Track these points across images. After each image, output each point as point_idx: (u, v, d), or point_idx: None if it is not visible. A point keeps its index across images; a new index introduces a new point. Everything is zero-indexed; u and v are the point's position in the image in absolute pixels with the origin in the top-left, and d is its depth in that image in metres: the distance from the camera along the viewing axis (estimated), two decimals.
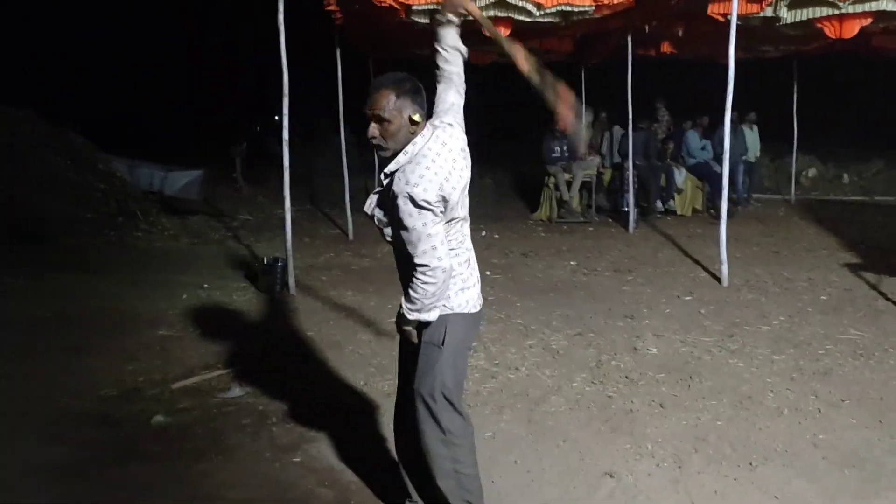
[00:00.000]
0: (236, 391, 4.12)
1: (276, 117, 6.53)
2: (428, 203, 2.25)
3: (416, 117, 2.36)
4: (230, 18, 16.00)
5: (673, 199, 10.59)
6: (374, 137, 2.36)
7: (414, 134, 2.38)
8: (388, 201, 2.36)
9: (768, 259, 7.51)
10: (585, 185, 10.31)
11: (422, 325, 2.46)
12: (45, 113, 9.47)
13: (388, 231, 2.48)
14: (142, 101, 16.82)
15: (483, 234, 9.02)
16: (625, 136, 9.79)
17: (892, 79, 13.26)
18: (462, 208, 2.44)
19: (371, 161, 11.57)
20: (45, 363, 4.53)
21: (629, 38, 9.02)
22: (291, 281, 6.32)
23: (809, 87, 12.41)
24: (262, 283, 6.33)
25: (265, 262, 6.40)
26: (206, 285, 6.50)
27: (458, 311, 2.46)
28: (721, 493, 2.96)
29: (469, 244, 2.55)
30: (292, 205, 6.48)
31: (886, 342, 4.79)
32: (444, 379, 2.44)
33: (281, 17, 6.14)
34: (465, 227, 2.52)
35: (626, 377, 4.25)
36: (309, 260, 7.69)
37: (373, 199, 2.50)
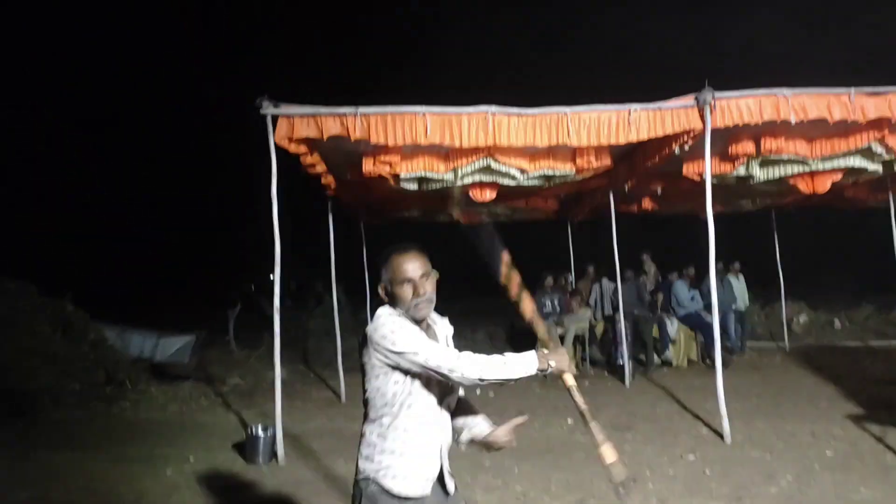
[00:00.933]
0: None
1: (270, 276, 6.61)
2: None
3: (435, 272, 2.55)
4: (226, 180, 16.63)
5: (668, 349, 10.54)
6: (425, 293, 2.47)
7: None
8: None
9: (769, 411, 7.35)
10: (578, 339, 10.29)
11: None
12: (39, 282, 9.56)
13: None
14: (135, 265, 17.09)
15: (477, 392, 8.87)
16: (616, 288, 9.88)
17: (871, 224, 13.71)
18: None
19: (363, 321, 11.63)
20: None
21: (611, 196, 9.37)
22: (280, 451, 6.12)
23: (791, 235, 12.77)
24: (249, 454, 6.12)
25: (252, 431, 6.22)
26: (191, 458, 6.28)
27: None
28: None
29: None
30: (285, 366, 6.40)
31: None
32: None
33: (274, 190, 6.36)
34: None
35: None
36: (300, 426, 7.48)
37: None
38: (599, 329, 10.71)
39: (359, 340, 2.55)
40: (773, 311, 13.82)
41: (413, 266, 2.46)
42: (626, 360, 9.23)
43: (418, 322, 2.48)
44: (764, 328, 14.05)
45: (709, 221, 6.58)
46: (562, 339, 10.12)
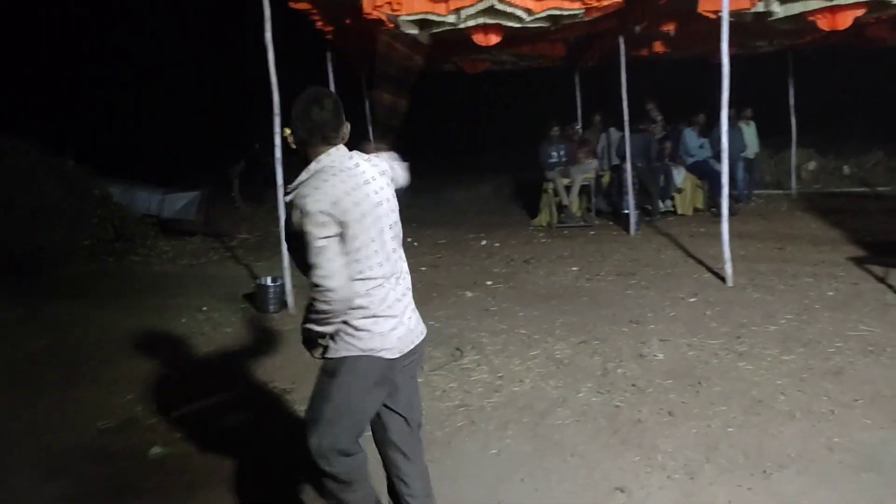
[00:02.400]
0: (235, 418, 4.04)
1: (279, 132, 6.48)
2: (317, 216, 2.26)
3: (287, 131, 2.45)
4: (222, 36, 15.97)
5: (673, 199, 10.49)
6: None
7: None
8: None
9: (772, 256, 7.41)
10: (584, 189, 10.22)
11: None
12: (38, 141, 9.42)
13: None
14: (137, 123, 16.80)
15: (483, 242, 8.95)
16: (623, 137, 9.67)
17: (889, 68, 13.20)
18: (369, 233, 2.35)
19: None
20: (40, 397, 4.46)
21: (621, 40, 8.96)
22: (290, 300, 6.24)
23: (806, 80, 12.34)
24: (260, 303, 6.26)
25: (262, 282, 6.33)
26: (204, 308, 6.43)
27: (356, 351, 2.38)
28: None
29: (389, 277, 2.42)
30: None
31: None
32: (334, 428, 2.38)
33: (268, 35, 6.09)
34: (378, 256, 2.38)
35: (634, 385, 4.16)
36: (298, 276, 7.60)
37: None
38: (606, 179, 10.61)
39: None
40: (782, 158, 13.60)
41: None
42: (631, 209, 9.21)
43: None
44: (772, 176, 13.91)
45: (724, 63, 6.31)
46: (568, 189, 10.06)
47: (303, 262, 2.33)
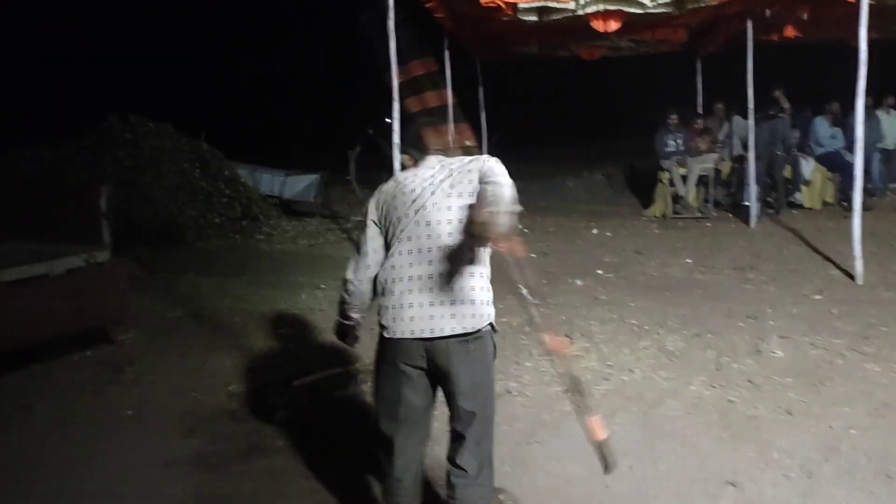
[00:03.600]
0: (354, 389, 4.25)
1: (387, 119, 6.71)
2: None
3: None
4: (341, 23, 16.53)
5: (800, 191, 9.99)
6: None
7: None
8: None
9: None
10: (702, 180, 9.91)
11: None
12: (177, 123, 10.10)
13: None
14: (263, 111, 17.64)
15: (594, 231, 8.87)
16: (757, 125, 9.19)
17: None
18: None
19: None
20: (179, 361, 4.85)
21: (749, 24, 8.60)
22: None
23: None
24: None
25: None
26: (322, 286, 6.75)
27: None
28: None
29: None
30: None
31: None
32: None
33: (391, 23, 6.27)
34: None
35: (749, 381, 4.06)
36: None
37: None
38: (726, 170, 10.23)
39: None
40: None
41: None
42: (753, 201, 8.85)
43: None
44: None
45: (861, 48, 5.96)
46: (684, 179, 9.79)
47: None
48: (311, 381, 4.42)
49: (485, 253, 2.45)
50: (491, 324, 2.47)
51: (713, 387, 4.00)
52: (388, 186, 2.58)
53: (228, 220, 9.60)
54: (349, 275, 2.63)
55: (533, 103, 17.45)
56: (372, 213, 2.57)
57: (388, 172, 6.91)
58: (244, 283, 6.87)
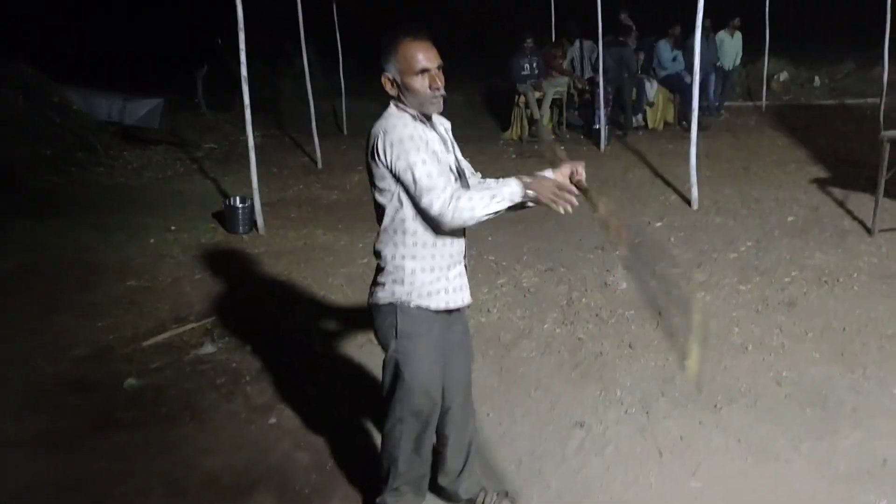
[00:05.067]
0: (209, 348, 4.12)
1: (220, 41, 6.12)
2: None
3: None
4: None
5: (644, 112, 10.48)
6: (442, 86, 2.24)
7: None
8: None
9: (738, 176, 7.53)
10: (556, 103, 10.14)
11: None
12: None
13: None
14: (93, 25, 15.98)
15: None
16: (604, 52, 9.45)
17: None
18: None
19: (336, 84, 11.27)
20: (15, 323, 4.48)
21: None
22: (260, 220, 6.23)
23: None
24: (229, 224, 6.24)
25: (230, 202, 6.29)
26: (173, 227, 6.41)
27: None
28: (686, 439, 3.05)
29: None
30: (258, 130, 6.20)
31: (851, 266, 4.88)
32: None
33: None
34: None
35: (597, 315, 4.31)
36: (277, 194, 7.58)
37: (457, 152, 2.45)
38: (578, 93, 10.50)
39: (366, 141, 2.28)
40: (754, 68, 13.52)
41: (430, 55, 2.18)
42: (602, 125, 9.19)
43: (428, 118, 2.27)
44: (743, 86, 13.89)
45: None
46: (539, 102, 9.97)
47: None
48: (162, 340, 4.25)
49: None
50: None
51: (564, 324, 4.22)
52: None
53: (62, 152, 8.80)
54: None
55: (391, 20, 16.96)
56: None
57: (239, 95, 6.47)
58: (85, 226, 6.38)
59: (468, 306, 2.46)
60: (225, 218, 6.33)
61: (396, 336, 2.33)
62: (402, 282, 2.30)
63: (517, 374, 3.67)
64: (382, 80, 2.26)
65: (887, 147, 5.32)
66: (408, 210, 2.22)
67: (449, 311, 2.38)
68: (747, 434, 3.06)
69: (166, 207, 7.10)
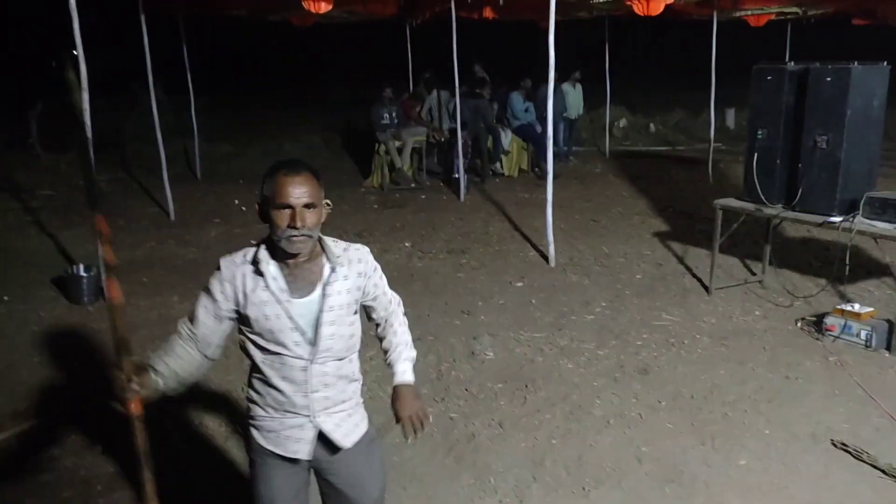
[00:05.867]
0: (53, 450, 3.76)
1: (74, 52, 5.70)
2: None
3: (328, 201, 2.16)
4: None
5: (500, 160, 10.88)
6: (302, 227, 2.00)
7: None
8: (349, 290, 2.17)
9: (588, 230, 7.95)
10: (416, 151, 10.31)
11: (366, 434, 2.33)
12: None
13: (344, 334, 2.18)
14: None
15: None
16: (454, 100, 9.79)
17: (690, 38, 14.30)
18: None
19: (188, 123, 10.81)
20: None
21: (452, 2, 8.97)
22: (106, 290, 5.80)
23: (622, 43, 13.15)
24: (73, 294, 5.78)
25: (73, 271, 5.83)
26: (5, 297, 5.85)
27: None
28: None
29: None
30: (103, 174, 5.73)
31: (693, 327, 5.28)
32: None
33: None
34: None
35: (466, 390, 4.37)
36: (126, 253, 7.10)
37: (332, 306, 2.12)
38: (437, 141, 10.74)
39: None
40: (597, 115, 14.47)
41: (298, 192, 2.01)
42: (461, 175, 9.43)
43: (292, 256, 2.09)
44: (588, 132, 14.81)
45: (550, 30, 6.48)
46: (399, 151, 10.08)
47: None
48: (2, 440, 3.84)
49: None
50: None
51: (436, 400, 4.24)
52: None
53: None
54: None
55: (246, 64, 16.59)
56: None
57: (80, 131, 5.97)
58: None
59: None
60: (67, 286, 5.86)
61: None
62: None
63: (391, 463, 3.63)
64: (255, 203, 2.18)
65: (720, 213, 5.82)
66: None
67: None
68: None
69: None
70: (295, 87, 16.21)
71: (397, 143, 10.06)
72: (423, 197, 9.63)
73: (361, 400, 2.35)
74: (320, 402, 2.19)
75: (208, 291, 2.16)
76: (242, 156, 11.86)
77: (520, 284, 6.24)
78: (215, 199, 9.15)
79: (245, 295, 2.11)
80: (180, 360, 2.19)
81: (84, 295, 5.73)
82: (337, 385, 2.21)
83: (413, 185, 10.12)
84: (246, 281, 2.11)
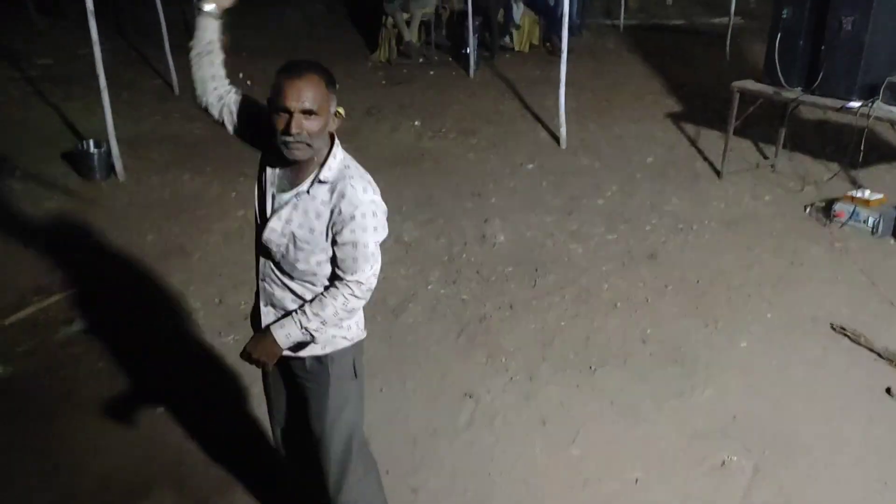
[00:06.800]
0: (79, 324, 3.90)
1: None
2: (385, 214, 2.03)
3: (341, 110, 1.99)
4: None
5: (511, 34, 10.50)
6: (298, 133, 1.87)
7: (333, 132, 2.00)
8: (319, 216, 1.97)
9: (601, 110, 7.81)
10: (424, 24, 9.94)
11: (317, 360, 2.15)
12: None
13: (291, 252, 2.02)
14: None
15: None
16: None
17: None
18: None
19: None
20: None
21: None
22: (118, 165, 5.81)
23: None
24: (84, 170, 5.78)
25: (84, 146, 5.81)
26: (18, 173, 5.85)
27: (362, 336, 2.23)
28: (566, 405, 3.32)
29: None
30: (101, 42, 5.54)
31: (703, 212, 5.31)
32: (358, 417, 2.28)
33: None
34: None
35: (478, 273, 4.47)
36: (133, 127, 7.03)
37: (282, 214, 1.99)
38: (446, 13, 10.33)
39: None
40: None
41: (297, 95, 1.86)
42: (472, 50, 9.14)
43: (290, 163, 1.99)
44: (601, 3, 14.19)
45: None
46: (408, 24, 9.72)
47: (306, 260, 2.02)
48: (25, 317, 3.98)
49: None
50: None
51: (448, 284, 4.35)
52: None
53: None
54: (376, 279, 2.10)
55: None
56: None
57: None
58: None
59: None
60: (78, 162, 5.85)
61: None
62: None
63: (406, 342, 3.79)
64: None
65: (737, 96, 5.70)
66: None
67: None
68: (619, 396, 3.37)
69: (6, 145, 6.42)
70: None
71: (405, 16, 9.69)
72: (431, 73, 9.39)
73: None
74: (265, 292, 2.16)
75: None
76: (242, 26, 11.45)
77: (530, 167, 6.22)
78: None
79: (261, 146, 2.10)
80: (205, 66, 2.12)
81: (96, 171, 5.73)
82: (280, 291, 2.11)
83: (421, 59, 9.84)
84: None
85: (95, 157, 5.72)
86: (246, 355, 2.11)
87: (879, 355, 3.62)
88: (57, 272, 4.40)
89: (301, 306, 2.06)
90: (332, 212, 1.96)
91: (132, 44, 10.32)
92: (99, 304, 4.09)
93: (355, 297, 2.03)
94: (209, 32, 2.12)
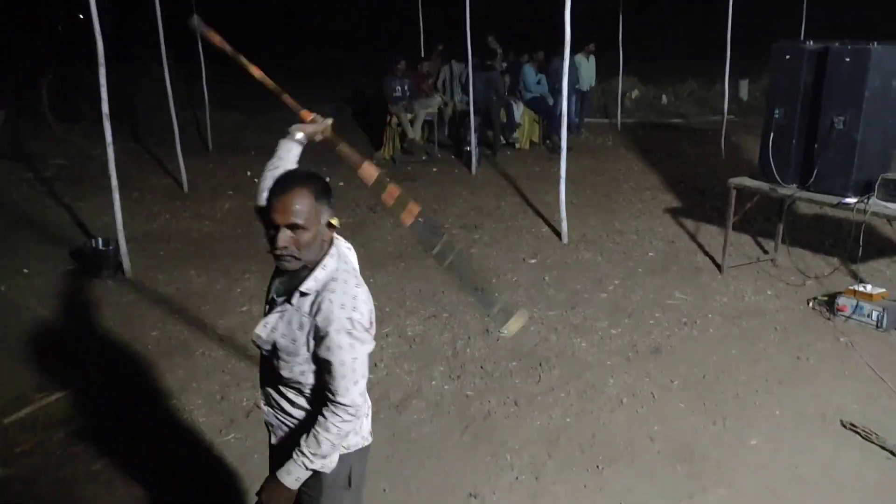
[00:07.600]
0: (80, 422, 3.86)
1: (80, 16, 5.55)
2: (366, 329, 1.96)
3: (335, 221, 2.00)
4: None
5: (512, 133, 10.85)
6: (285, 248, 1.91)
7: (327, 242, 2.00)
8: (301, 327, 1.97)
9: (600, 205, 7.96)
10: (427, 122, 10.30)
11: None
12: None
13: (273, 359, 2.04)
14: None
15: (327, 179, 8.79)
16: (467, 71, 9.74)
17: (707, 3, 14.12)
18: None
19: (198, 92, 10.79)
20: None
21: None
22: (126, 263, 5.89)
23: (635, 10, 13.02)
24: (92, 268, 5.85)
25: (93, 244, 5.91)
26: (25, 270, 5.94)
27: (364, 443, 2.17)
28: None
29: None
30: (114, 144, 5.70)
31: (705, 306, 5.32)
32: None
33: None
34: None
35: (482, 368, 4.44)
36: (142, 225, 7.18)
37: (269, 321, 2.03)
38: (448, 112, 10.71)
39: None
40: (609, 86, 14.35)
41: (284, 211, 1.89)
42: (473, 148, 9.41)
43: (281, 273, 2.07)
44: (599, 103, 14.70)
45: (566, 4, 6.40)
46: (412, 122, 10.06)
47: (296, 375, 2.02)
48: (26, 416, 3.94)
49: None
50: None
51: (452, 379, 4.32)
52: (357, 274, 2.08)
53: None
54: (364, 398, 2.04)
55: (257, 32, 16.53)
56: (371, 327, 2.03)
57: (89, 104, 5.84)
58: None
59: None
60: (86, 260, 5.94)
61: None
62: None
63: (410, 439, 3.73)
64: None
65: (734, 193, 5.82)
66: None
67: None
68: (627, 496, 3.29)
69: (15, 243, 6.55)
70: (306, 56, 16.14)
71: (409, 116, 10.03)
72: (434, 170, 9.63)
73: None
74: (263, 391, 2.17)
75: None
76: (253, 125, 11.84)
77: (533, 261, 6.29)
78: (227, 171, 9.16)
79: None
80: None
81: (103, 269, 5.80)
82: (275, 393, 2.12)
83: (424, 156, 10.12)
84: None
85: (104, 254, 5.81)
86: None
87: (892, 453, 3.55)
88: (59, 369, 4.39)
89: (300, 446, 2.00)
90: (311, 325, 1.95)
91: (145, 145, 10.64)
92: (100, 402, 4.05)
93: (345, 422, 1.98)
94: (293, 155, 2.30)
